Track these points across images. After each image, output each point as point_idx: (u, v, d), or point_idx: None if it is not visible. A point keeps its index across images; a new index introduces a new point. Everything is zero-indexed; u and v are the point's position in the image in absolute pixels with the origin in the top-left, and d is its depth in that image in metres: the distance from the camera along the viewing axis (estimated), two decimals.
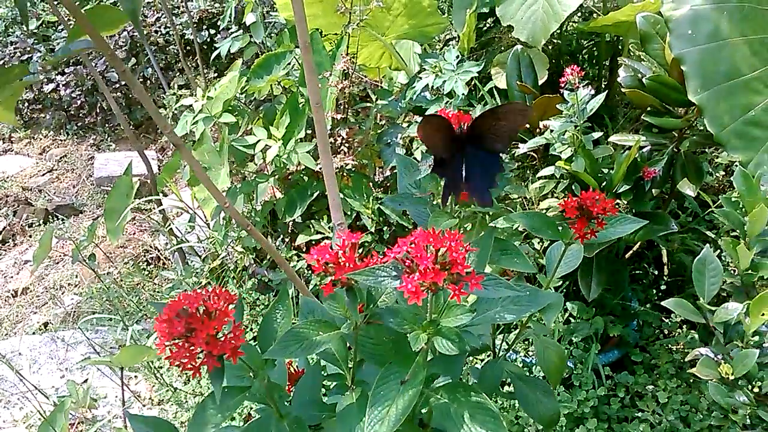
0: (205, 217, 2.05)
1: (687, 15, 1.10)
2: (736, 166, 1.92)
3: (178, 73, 3.41)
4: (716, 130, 1.10)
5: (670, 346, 1.65)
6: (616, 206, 0.75)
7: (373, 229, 1.76)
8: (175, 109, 2.90)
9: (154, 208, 2.51)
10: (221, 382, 0.60)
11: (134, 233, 2.57)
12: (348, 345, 0.72)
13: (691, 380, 1.58)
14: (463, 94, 1.49)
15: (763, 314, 0.73)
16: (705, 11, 1.09)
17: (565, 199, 0.72)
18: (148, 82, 3.33)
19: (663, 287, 1.77)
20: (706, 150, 1.94)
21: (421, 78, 1.60)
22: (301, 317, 0.74)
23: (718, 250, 1.77)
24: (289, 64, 1.89)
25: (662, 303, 0.81)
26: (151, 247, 2.39)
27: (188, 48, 3.44)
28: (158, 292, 2.05)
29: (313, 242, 1.87)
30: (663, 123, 1.39)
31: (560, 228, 0.75)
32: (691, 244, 1.78)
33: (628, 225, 0.73)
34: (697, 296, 1.77)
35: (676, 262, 1.80)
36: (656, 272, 1.79)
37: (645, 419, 1.45)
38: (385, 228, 1.85)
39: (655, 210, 1.50)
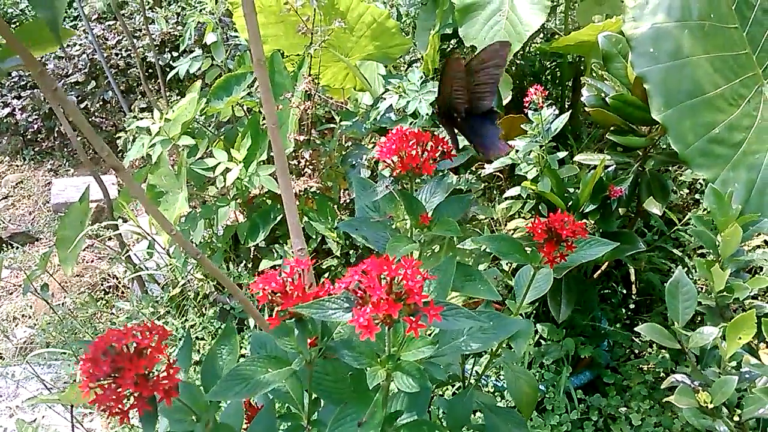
0: (164, 244, 1.98)
1: (648, 33, 1.09)
2: (700, 184, 1.94)
3: (139, 96, 3.34)
4: (681, 149, 1.08)
5: (641, 366, 1.63)
6: (584, 227, 0.72)
7: (339, 253, 1.72)
8: (135, 132, 2.83)
9: (112, 235, 2.43)
10: (153, 427, 0.54)
11: (91, 261, 2.48)
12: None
13: (663, 401, 1.56)
14: (426, 114, 1.46)
15: (740, 338, 0.71)
16: (666, 29, 1.08)
17: (533, 221, 0.69)
18: (108, 105, 3.26)
19: (632, 306, 1.76)
20: (670, 168, 1.95)
21: (384, 99, 1.57)
22: (252, 352, 0.69)
23: (686, 269, 1.77)
24: (250, 85, 1.84)
25: (635, 329, 0.78)
26: (109, 275, 2.30)
27: (150, 71, 3.38)
28: (114, 323, 1.97)
29: (278, 267, 1.82)
30: (627, 142, 1.38)
31: (529, 251, 0.71)
32: (659, 263, 1.77)
33: (597, 248, 0.70)
34: (667, 316, 1.77)
35: (644, 281, 1.79)
36: (624, 291, 1.78)
37: None
38: (351, 251, 1.81)
39: (621, 229, 1.48)
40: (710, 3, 1.10)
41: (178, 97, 3.28)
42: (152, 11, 3.37)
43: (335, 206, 1.87)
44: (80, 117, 0.66)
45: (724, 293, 0.82)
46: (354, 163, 1.81)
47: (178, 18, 3.44)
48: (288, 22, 1.81)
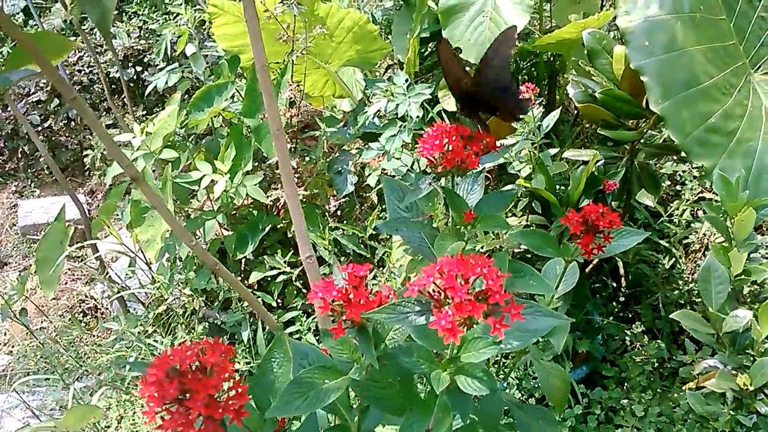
0: (147, 260, 1.93)
1: (643, 26, 1.11)
2: (680, 176, 1.98)
3: (104, 113, 3.26)
4: (680, 139, 1.10)
5: (635, 357, 1.65)
6: (618, 217, 0.72)
7: (331, 261, 1.70)
8: (104, 149, 2.76)
9: (87, 255, 2.35)
10: None
11: (66, 283, 2.39)
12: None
13: (659, 390, 1.58)
14: (417, 116, 1.46)
15: None
16: (660, 21, 1.10)
17: (568, 215, 0.69)
18: (73, 123, 3.16)
19: (622, 299, 1.78)
20: (650, 162, 1.99)
21: (372, 103, 1.56)
22: (295, 364, 0.67)
23: (673, 259, 1.81)
24: (231, 95, 1.81)
25: (671, 316, 0.79)
26: (87, 296, 2.23)
27: (114, 86, 3.30)
28: (99, 345, 1.90)
29: (269, 278, 1.79)
30: (618, 136, 1.40)
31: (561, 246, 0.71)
32: (647, 255, 1.80)
33: (630, 238, 0.71)
34: (656, 307, 1.80)
35: (632, 274, 1.82)
36: (614, 284, 1.81)
37: None
38: (342, 258, 1.79)
39: None
40: None
41: (144, 112, 3.21)
42: (113, 26, 3.29)
43: (324, 214, 1.85)
44: (100, 129, 0.63)
45: (742, 276, 0.83)
46: (340, 169, 1.80)
47: (140, 32, 3.36)
48: (267, 30, 1.78)
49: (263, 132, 1.72)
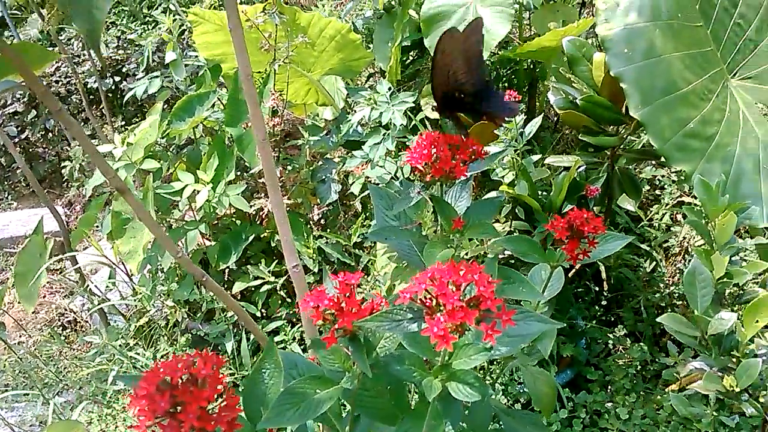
0: (129, 271, 1.91)
1: (622, 34, 1.13)
2: (659, 180, 2.01)
3: (82, 123, 3.22)
4: (659, 144, 1.12)
5: (618, 360, 1.66)
6: (603, 222, 0.73)
7: (316, 269, 1.69)
8: (83, 160, 2.72)
9: (66, 268, 2.32)
10: None
11: (45, 296, 2.35)
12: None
13: (643, 393, 1.60)
14: (401, 124, 1.47)
15: (757, 321, 0.73)
16: (639, 29, 1.12)
17: (552, 220, 0.69)
18: (50, 134, 3.12)
19: (604, 303, 1.79)
20: (629, 167, 2.02)
21: (355, 111, 1.57)
22: (284, 374, 0.66)
23: (654, 263, 1.83)
24: (213, 105, 1.80)
25: (657, 319, 0.80)
26: (66, 309, 2.19)
27: (92, 97, 3.26)
28: (79, 359, 1.87)
29: (252, 288, 1.78)
30: (599, 141, 1.42)
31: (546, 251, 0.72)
32: (628, 259, 1.82)
33: (614, 242, 0.72)
34: (638, 310, 1.82)
35: (614, 278, 1.83)
36: (597, 288, 1.82)
37: None
38: (327, 267, 1.78)
39: None
40: (677, 2, 1.15)
41: (123, 123, 3.18)
42: None
43: (307, 222, 1.85)
44: (86, 140, 0.63)
45: (725, 279, 0.84)
46: (324, 178, 1.80)
47: (118, 42, 3.34)
48: (249, 39, 1.78)
49: (246, 141, 1.72)
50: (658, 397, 1.55)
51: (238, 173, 1.84)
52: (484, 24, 0.84)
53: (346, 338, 0.58)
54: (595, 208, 1.51)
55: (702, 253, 0.88)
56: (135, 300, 1.82)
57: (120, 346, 1.72)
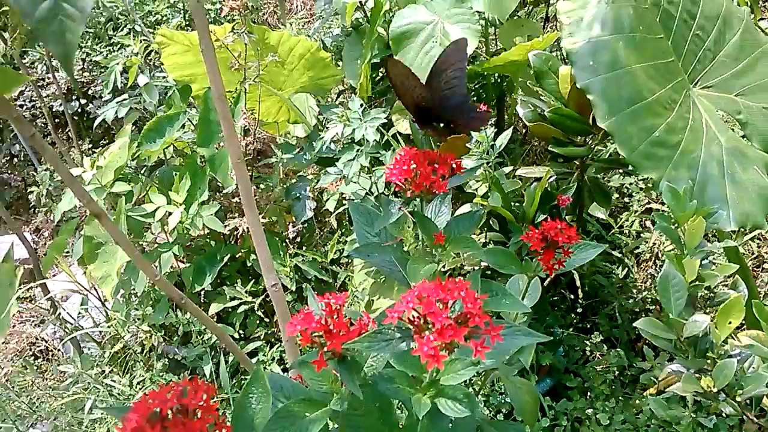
0: (102, 297, 1.88)
1: (586, 47, 1.16)
2: (627, 188, 2.05)
3: None
4: (627, 153, 1.15)
5: (596, 366, 1.68)
6: (576, 232, 0.75)
7: (293, 288, 1.68)
8: (50, 185, 2.68)
9: (35, 296, 2.27)
10: None
11: (14, 326, 2.29)
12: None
13: (622, 398, 1.62)
14: (375, 140, 1.48)
15: (730, 323, 0.75)
16: (602, 42, 1.15)
17: (528, 232, 0.71)
18: (15, 159, 3.06)
19: (580, 310, 1.82)
20: (598, 176, 2.06)
21: (328, 128, 1.57)
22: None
23: (626, 269, 1.86)
24: (183, 126, 1.79)
25: (635, 324, 0.81)
26: (37, 338, 2.14)
27: (57, 120, 3.21)
28: (53, 389, 1.82)
29: (229, 309, 1.76)
30: (568, 152, 1.45)
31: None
32: (601, 266, 1.85)
33: (588, 251, 0.73)
34: (612, 316, 1.85)
35: (588, 285, 1.86)
36: (572, 296, 1.85)
37: None
38: (304, 285, 1.78)
39: None
40: (638, 15, 1.18)
41: (90, 146, 3.14)
42: (56, 58, 3.22)
43: (282, 240, 1.84)
44: (61, 165, 0.62)
45: (696, 283, 0.87)
46: (298, 195, 1.80)
47: (83, 64, 3.30)
48: (219, 58, 1.77)
49: (218, 161, 1.71)
50: (637, 401, 1.57)
51: (211, 193, 1.83)
52: (466, 44, 0.86)
53: (334, 360, 0.58)
54: (567, 217, 1.54)
55: (673, 257, 0.90)
56: (109, 326, 1.79)
57: (95, 374, 1.68)
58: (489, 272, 1.66)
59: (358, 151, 1.53)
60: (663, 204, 1.99)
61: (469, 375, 0.55)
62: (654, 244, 1.88)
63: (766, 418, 0.74)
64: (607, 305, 1.84)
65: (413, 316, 0.53)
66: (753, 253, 1.82)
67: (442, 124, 0.82)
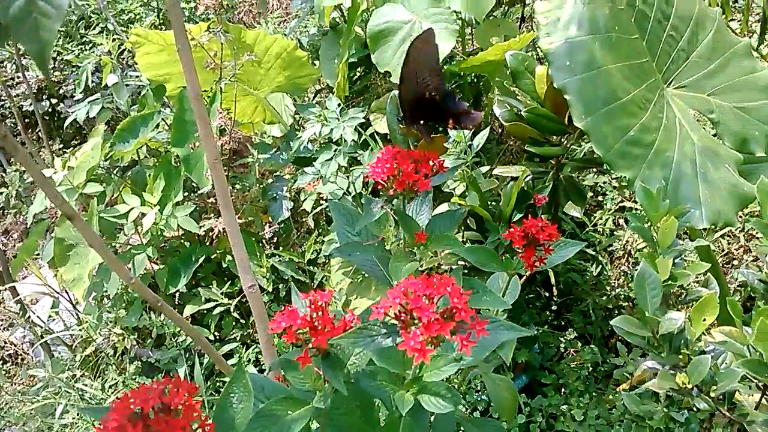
0: (73, 300, 1.84)
1: (563, 47, 1.17)
2: (600, 187, 2.08)
3: None
4: (603, 152, 1.16)
5: (571, 363, 1.70)
6: (557, 230, 0.75)
7: (270, 289, 1.67)
8: (19, 186, 2.62)
9: (3, 299, 2.22)
10: None
11: None
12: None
13: (595, 394, 1.64)
14: (353, 140, 1.47)
15: (704, 320, 0.76)
16: (579, 42, 1.16)
17: (510, 230, 0.71)
18: None
19: (554, 308, 1.84)
20: (573, 174, 2.08)
21: (305, 128, 1.57)
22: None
23: (600, 266, 1.89)
24: (157, 125, 1.77)
25: (612, 322, 0.82)
26: (6, 342, 2.09)
27: (27, 120, 3.14)
28: (23, 393, 1.78)
29: (204, 311, 1.74)
30: (545, 152, 1.46)
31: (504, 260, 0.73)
32: (575, 264, 1.87)
33: (569, 248, 0.74)
34: (586, 313, 1.87)
35: (563, 282, 1.88)
36: (547, 294, 1.86)
37: None
38: (281, 285, 1.77)
39: None
40: (614, 16, 1.20)
41: (61, 146, 3.08)
42: (25, 57, 3.15)
43: (259, 241, 1.82)
44: (33, 166, 0.61)
45: (669, 282, 0.88)
46: (275, 195, 1.78)
47: (55, 63, 3.24)
48: (194, 58, 1.75)
49: (193, 161, 1.69)
50: (610, 396, 1.59)
51: (186, 194, 1.81)
52: (433, 34, 0.86)
53: (318, 357, 0.57)
54: (543, 215, 1.55)
55: (647, 256, 0.91)
56: (80, 329, 1.75)
57: (66, 378, 1.65)
58: (466, 272, 1.67)
59: (335, 150, 1.52)
60: (636, 202, 2.02)
61: (451, 371, 0.55)
62: (627, 241, 1.91)
63: (738, 412, 0.76)
64: (581, 302, 1.86)
65: (399, 312, 0.52)
66: (723, 250, 1.85)
67: (433, 119, 0.81)
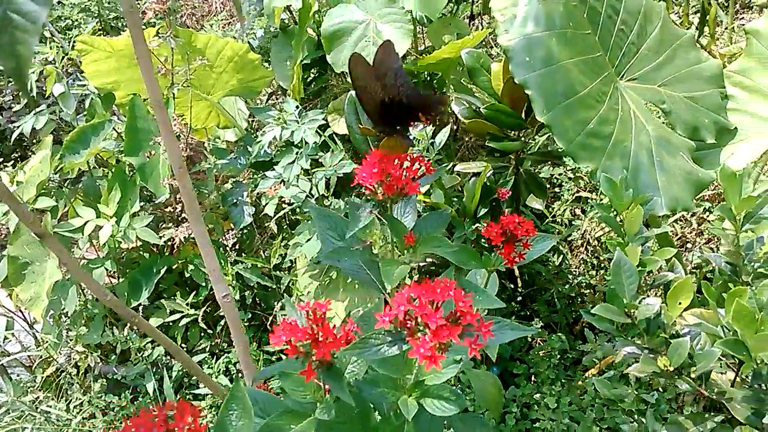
0: (30, 319, 1.77)
1: (522, 43, 1.19)
2: (556, 179, 2.12)
3: None
4: (565, 145, 1.19)
5: (540, 352, 1.74)
6: (533, 225, 0.77)
7: (237, 297, 1.65)
8: None
9: None
10: None
11: None
12: None
13: (565, 380, 1.68)
14: (315, 142, 1.46)
15: (680, 303, 0.79)
16: (537, 38, 1.19)
17: (487, 227, 0.72)
18: None
19: (520, 299, 1.87)
20: (531, 168, 2.12)
21: (265, 132, 1.55)
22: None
23: (561, 256, 1.93)
24: (109, 135, 1.71)
25: (591, 311, 0.84)
26: None
27: None
28: None
29: (169, 324, 1.70)
30: (505, 147, 1.48)
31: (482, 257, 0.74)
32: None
33: (545, 242, 0.75)
34: (550, 302, 1.91)
35: (527, 274, 1.92)
36: (512, 286, 1.90)
37: (542, 428, 1.50)
38: (247, 293, 1.74)
39: None
40: (568, 13, 1.23)
41: (1, 159, 2.95)
42: None
43: (223, 249, 1.79)
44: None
45: (640, 268, 0.91)
46: (235, 201, 1.76)
47: None
48: None
49: (149, 170, 1.65)
50: (580, 382, 1.63)
51: (142, 204, 1.76)
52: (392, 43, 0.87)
53: (321, 368, 0.56)
54: (506, 209, 1.58)
55: (616, 245, 0.94)
56: (39, 349, 1.69)
57: (31, 401, 1.58)
58: (433, 268, 1.68)
59: (297, 153, 1.51)
60: (592, 192, 2.08)
61: (452, 373, 0.55)
62: (585, 230, 1.96)
63: (716, 390, 0.79)
64: (545, 292, 1.90)
65: (404, 318, 0.52)
66: (677, 234, 1.92)
67: (404, 120, 0.81)
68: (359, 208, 0.67)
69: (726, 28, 2.36)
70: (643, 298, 0.81)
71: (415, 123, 0.77)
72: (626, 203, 0.99)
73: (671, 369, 0.75)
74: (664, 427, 0.82)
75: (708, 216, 1.91)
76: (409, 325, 0.52)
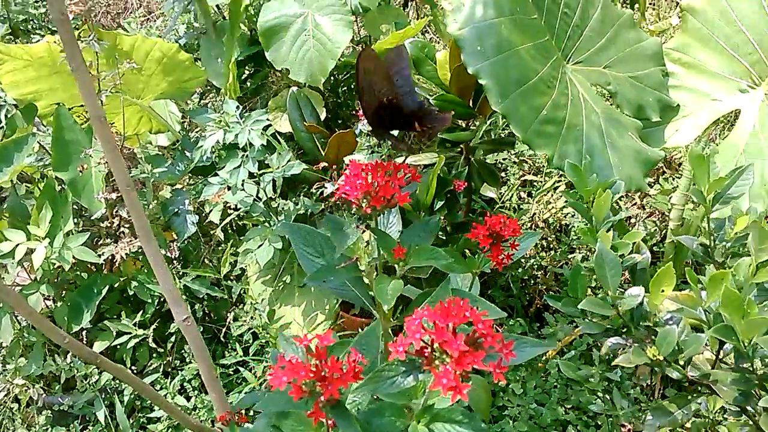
0: None
1: (472, 31, 1.17)
2: (501, 164, 2.13)
3: None
4: (521, 133, 1.18)
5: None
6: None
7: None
8: None
9: None
10: None
11: None
12: None
13: (527, 364, 1.69)
14: (262, 144, 1.40)
15: (663, 291, 0.79)
16: (486, 26, 1.17)
17: (473, 229, 0.69)
18: None
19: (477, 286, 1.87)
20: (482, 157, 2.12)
21: (205, 136, 1.47)
22: None
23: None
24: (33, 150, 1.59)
25: (578, 306, 0.82)
26: None
27: None
28: None
29: (116, 346, 1.60)
30: (456, 137, 1.46)
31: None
32: None
33: (530, 239, 0.74)
34: (505, 286, 1.92)
35: None
36: None
37: (511, 414, 1.50)
38: (197, 306, 1.66)
39: (466, 219, 1.57)
40: None
41: None
42: None
43: (167, 261, 1.70)
44: None
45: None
46: (177, 210, 1.67)
47: None
48: (65, 72, 1.59)
49: (81, 185, 1.54)
50: (540, 365, 1.65)
51: (76, 221, 1.64)
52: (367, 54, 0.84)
53: (327, 407, 0.52)
54: (463, 200, 1.56)
55: (587, 231, 0.94)
56: None
57: None
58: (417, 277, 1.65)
59: (243, 157, 1.44)
60: (536, 175, 2.10)
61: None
62: (534, 214, 1.97)
63: (700, 373, 0.80)
64: (501, 277, 1.91)
65: (421, 347, 0.48)
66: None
67: (401, 129, 0.78)
68: (342, 225, 0.62)
69: (652, 3, 2.43)
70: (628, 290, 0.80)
71: (409, 132, 0.74)
72: (593, 189, 0.99)
73: (661, 358, 0.75)
74: (649, 411, 0.82)
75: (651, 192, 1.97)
76: (426, 354, 0.48)
